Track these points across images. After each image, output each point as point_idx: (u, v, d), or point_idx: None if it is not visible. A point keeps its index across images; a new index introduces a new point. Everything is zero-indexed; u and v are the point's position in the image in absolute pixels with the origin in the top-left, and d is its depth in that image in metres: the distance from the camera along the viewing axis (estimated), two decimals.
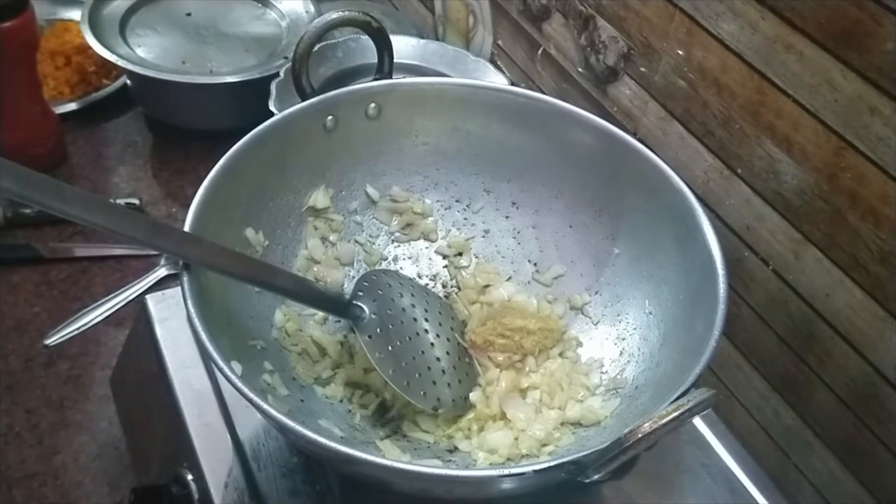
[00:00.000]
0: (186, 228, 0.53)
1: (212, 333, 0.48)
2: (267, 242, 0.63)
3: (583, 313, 0.67)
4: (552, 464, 0.45)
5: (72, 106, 1.06)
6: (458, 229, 0.72)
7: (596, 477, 0.45)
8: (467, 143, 0.70)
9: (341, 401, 0.61)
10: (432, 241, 0.72)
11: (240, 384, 0.46)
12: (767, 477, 0.61)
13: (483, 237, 0.72)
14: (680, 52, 0.69)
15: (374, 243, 0.71)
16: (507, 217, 0.72)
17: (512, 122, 0.68)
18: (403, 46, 1.05)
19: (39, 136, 0.98)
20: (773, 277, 0.65)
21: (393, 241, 0.72)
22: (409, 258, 0.72)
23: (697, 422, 0.63)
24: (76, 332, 0.82)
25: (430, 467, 0.49)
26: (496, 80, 0.99)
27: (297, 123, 0.63)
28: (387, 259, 0.71)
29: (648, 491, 0.59)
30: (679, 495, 0.60)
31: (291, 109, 0.63)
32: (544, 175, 0.69)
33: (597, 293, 0.67)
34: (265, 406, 0.46)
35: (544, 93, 0.92)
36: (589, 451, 0.45)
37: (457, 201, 0.72)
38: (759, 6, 0.60)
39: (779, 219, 0.63)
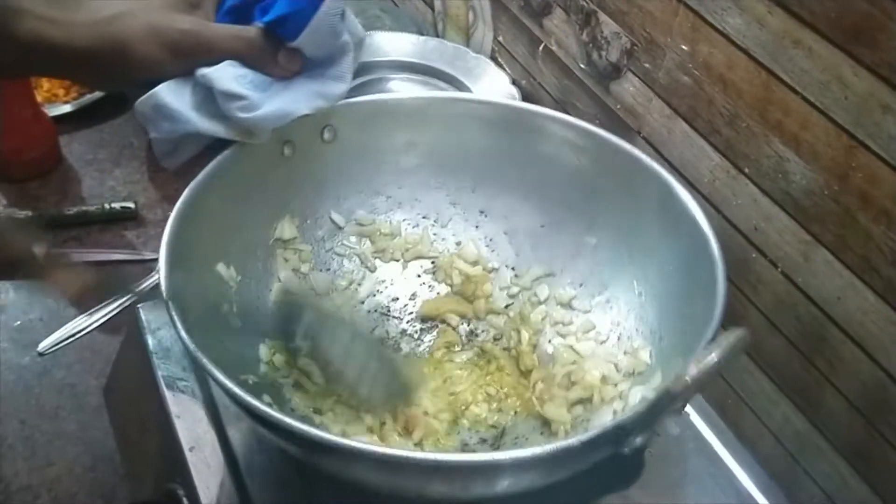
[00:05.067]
0: (162, 269, 0.52)
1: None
2: (240, 277, 0.61)
3: (571, 307, 0.66)
4: (595, 434, 0.43)
5: (66, 108, 1.04)
6: (429, 246, 0.71)
7: (638, 442, 0.44)
8: (427, 157, 0.69)
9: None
10: (405, 261, 0.71)
11: (238, 391, 0.44)
12: (777, 485, 0.60)
13: (456, 250, 0.71)
14: (684, 48, 0.67)
15: (346, 270, 0.70)
16: (476, 227, 0.71)
17: (469, 129, 0.67)
18: (403, 44, 1.04)
19: (32, 139, 0.97)
20: (781, 279, 0.64)
21: (365, 265, 0.70)
22: (384, 281, 0.70)
23: (704, 430, 0.61)
24: (71, 341, 0.80)
25: (456, 455, 0.48)
26: (497, 77, 0.97)
27: (254, 154, 0.60)
28: (361, 284, 0.70)
29: (655, 502, 0.57)
30: None
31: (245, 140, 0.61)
32: (509, 178, 0.68)
33: (581, 285, 0.66)
34: (259, 405, 0.44)
35: (546, 91, 0.90)
36: (636, 412, 0.44)
37: (423, 217, 0.71)
38: (767, 0, 0.58)
39: (787, 219, 0.62)
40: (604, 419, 0.57)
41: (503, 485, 0.47)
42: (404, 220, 0.71)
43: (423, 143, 0.68)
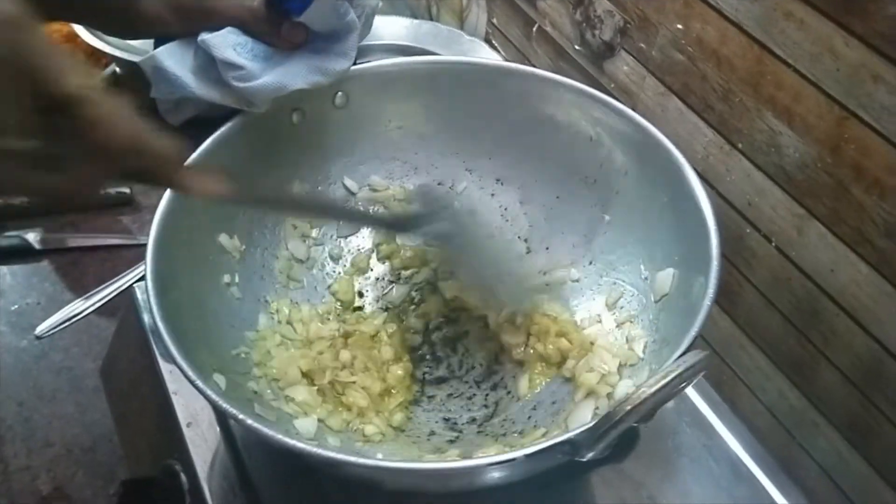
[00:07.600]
0: (151, 241, 0.52)
1: (185, 349, 0.47)
2: (244, 247, 0.62)
3: (579, 284, 0.66)
4: (544, 446, 0.43)
5: None
6: None
7: (591, 455, 0.44)
8: (443, 123, 0.69)
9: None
10: None
11: (218, 399, 0.44)
12: (772, 458, 0.60)
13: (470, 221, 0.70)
14: (678, 25, 0.67)
15: (357, 236, 0.70)
16: (492, 195, 0.70)
17: (486, 95, 0.67)
18: (397, 27, 1.04)
19: None
20: (775, 254, 0.64)
21: (376, 232, 0.70)
22: (396, 249, 0.70)
23: (699, 403, 0.61)
24: (68, 324, 0.81)
25: (419, 462, 0.48)
26: (491, 59, 0.97)
27: (260, 122, 0.61)
28: (373, 250, 0.70)
29: (650, 474, 0.58)
30: (681, 477, 0.58)
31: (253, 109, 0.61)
32: (525, 147, 0.68)
33: (591, 263, 0.66)
34: (241, 416, 0.44)
35: None
36: (579, 430, 0.43)
37: (439, 184, 0.71)
38: None
39: (781, 193, 0.62)
40: (583, 414, 0.56)
41: (474, 482, 0.49)
42: (419, 185, 0.70)
43: (438, 108, 0.68)
